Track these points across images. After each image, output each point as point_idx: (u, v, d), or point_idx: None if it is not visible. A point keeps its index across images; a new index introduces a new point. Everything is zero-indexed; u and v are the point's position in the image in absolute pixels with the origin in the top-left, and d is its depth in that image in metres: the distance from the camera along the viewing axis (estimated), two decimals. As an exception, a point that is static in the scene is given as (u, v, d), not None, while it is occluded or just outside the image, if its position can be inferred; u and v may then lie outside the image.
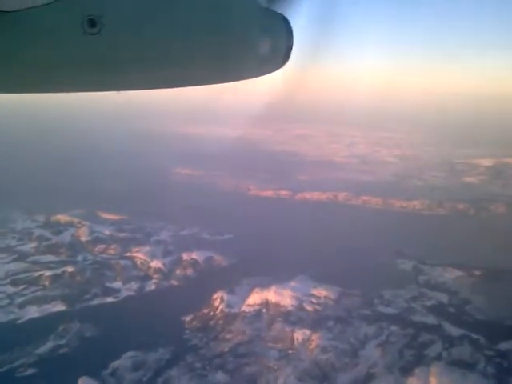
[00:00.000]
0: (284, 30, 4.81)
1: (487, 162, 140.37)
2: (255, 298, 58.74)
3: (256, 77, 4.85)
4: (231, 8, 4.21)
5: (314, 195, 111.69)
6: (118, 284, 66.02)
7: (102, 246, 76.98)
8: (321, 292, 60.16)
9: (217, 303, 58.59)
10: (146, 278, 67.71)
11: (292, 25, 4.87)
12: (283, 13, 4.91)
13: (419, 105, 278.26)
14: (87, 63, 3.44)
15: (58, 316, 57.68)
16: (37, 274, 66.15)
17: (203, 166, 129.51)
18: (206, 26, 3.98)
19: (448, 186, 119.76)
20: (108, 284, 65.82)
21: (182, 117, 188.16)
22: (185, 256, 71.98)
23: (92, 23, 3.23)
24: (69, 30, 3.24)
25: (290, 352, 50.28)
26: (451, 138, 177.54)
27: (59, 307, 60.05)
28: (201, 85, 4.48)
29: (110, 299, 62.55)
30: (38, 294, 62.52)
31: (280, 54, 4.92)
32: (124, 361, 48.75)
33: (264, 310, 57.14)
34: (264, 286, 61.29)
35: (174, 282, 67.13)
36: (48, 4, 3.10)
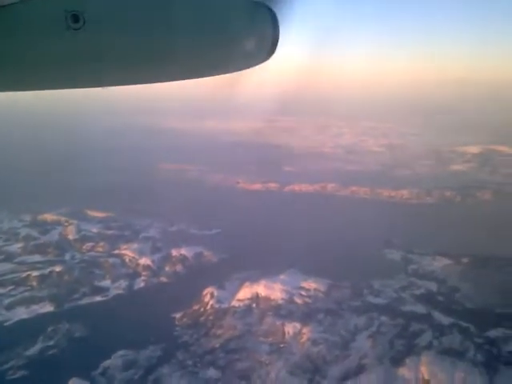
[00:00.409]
0: (270, 22, 4.74)
1: (474, 150, 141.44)
2: (245, 293, 58.60)
3: (243, 69, 4.79)
4: (216, 0, 4.21)
5: (303, 187, 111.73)
6: (106, 282, 65.44)
7: (89, 244, 76.28)
8: (310, 284, 60.19)
9: (207, 299, 58.33)
10: (135, 275, 67.18)
11: (278, 17, 4.81)
12: (270, 5, 4.83)
13: (405, 93, 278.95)
14: (71, 59, 3.41)
15: (47, 317, 57.06)
16: (24, 274, 65.26)
17: (191, 161, 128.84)
18: (190, 19, 3.94)
19: (435, 174, 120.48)
20: (97, 283, 65.22)
21: (168, 111, 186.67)
22: (174, 252, 71.55)
23: (75, 18, 3.22)
24: (52, 26, 3.22)
25: (281, 346, 50.23)
26: (438, 126, 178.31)
27: (47, 308, 59.40)
28: (186, 79, 4.41)
29: (98, 298, 61.99)
30: (26, 294, 61.69)
31: (266, 47, 4.84)
32: (114, 360, 48.37)
33: (254, 305, 57.05)
34: (254, 280, 61.18)
35: (163, 279, 66.73)
36: (30, 0, 3.11)
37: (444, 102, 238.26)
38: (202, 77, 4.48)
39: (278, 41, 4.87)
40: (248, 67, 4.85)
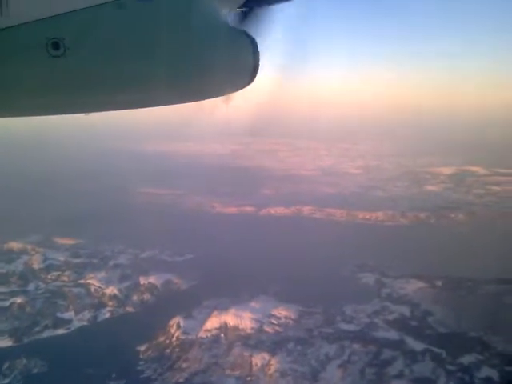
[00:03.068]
0: (250, 49, 4.74)
1: (448, 171, 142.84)
2: (213, 322, 56.64)
3: (222, 95, 4.85)
4: (196, 27, 4.18)
5: (279, 210, 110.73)
6: (70, 314, 62.80)
7: (55, 274, 73.66)
8: (281, 312, 58.61)
9: (173, 330, 56.13)
10: (100, 305, 64.64)
11: (258, 43, 4.82)
12: (250, 31, 4.89)
13: (382, 115, 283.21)
14: (53, 86, 3.41)
15: (4, 352, 54.03)
16: (-16, 307, 62.43)
17: (166, 185, 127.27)
18: (171, 45, 3.91)
19: (410, 195, 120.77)
20: (59, 314, 62.52)
21: (143, 136, 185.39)
22: (142, 280, 69.36)
23: (56, 46, 3.18)
24: (32, 53, 3.17)
25: (248, 379, 48.33)
26: (413, 147, 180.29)
27: (6, 342, 56.48)
28: (167, 104, 4.44)
29: (60, 331, 59.28)
30: (-16, 329, 58.86)
31: (247, 73, 4.86)
32: (72, 398, 45.90)
33: (222, 335, 55.10)
34: (223, 308, 59.37)
35: (129, 309, 64.31)
36: (10, 27, 3.04)
37: (419, 123, 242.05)
38: (182, 102, 4.53)
39: (258, 67, 4.87)
40: (228, 93, 4.90)
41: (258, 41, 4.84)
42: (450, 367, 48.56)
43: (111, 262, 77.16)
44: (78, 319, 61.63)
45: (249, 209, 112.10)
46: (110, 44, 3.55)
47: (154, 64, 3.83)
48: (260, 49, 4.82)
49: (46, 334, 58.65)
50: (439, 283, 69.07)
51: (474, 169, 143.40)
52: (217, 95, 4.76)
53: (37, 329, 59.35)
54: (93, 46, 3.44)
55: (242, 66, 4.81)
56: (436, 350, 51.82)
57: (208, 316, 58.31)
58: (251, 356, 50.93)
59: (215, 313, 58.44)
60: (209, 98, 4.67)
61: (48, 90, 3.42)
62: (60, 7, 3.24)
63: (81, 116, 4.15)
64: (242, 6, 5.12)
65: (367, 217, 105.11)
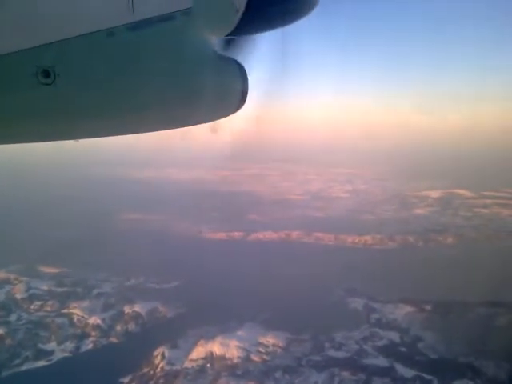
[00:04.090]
0: (239, 76, 4.84)
1: (436, 194, 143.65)
2: (199, 352, 55.25)
3: (211, 121, 4.93)
4: (185, 55, 4.22)
5: (267, 235, 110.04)
6: (52, 345, 60.94)
7: (38, 303, 71.77)
8: (269, 340, 57.44)
9: (157, 360, 54.60)
10: (83, 336, 62.87)
11: (247, 70, 4.90)
12: (239, 58, 4.96)
13: (370, 139, 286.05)
14: (43, 114, 3.43)
15: (-19, 387, 52.37)
16: (-37, 340, 60.44)
17: (154, 211, 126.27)
18: (159, 73, 3.95)
19: (399, 218, 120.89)
20: (41, 345, 60.65)
21: (132, 161, 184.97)
22: (127, 309, 67.80)
23: (46, 74, 3.22)
24: (22, 81, 3.21)
25: (234, 410, 46.93)
26: (401, 171, 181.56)
27: (-17, 376, 54.57)
28: (155, 130, 4.51)
29: (41, 363, 57.43)
30: (-38, 362, 56.81)
31: (235, 99, 4.94)
32: None
33: (208, 365, 53.65)
34: (210, 336, 58.04)
35: (113, 339, 62.54)
36: (0, 55, 3.07)
37: (407, 147, 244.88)
38: (170, 128, 4.61)
39: (246, 94, 4.94)
40: (217, 119, 4.96)
41: (247, 67, 4.94)
42: (440, 394, 47.57)
43: (95, 291, 75.53)
44: (60, 350, 59.79)
45: (237, 234, 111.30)
46: (99, 71, 3.58)
47: (143, 91, 3.90)
48: (248, 75, 4.93)
49: (26, 366, 56.77)
50: (428, 307, 68.41)
51: (461, 191, 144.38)
52: (205, 121, 4.89)
53: (17, 361, 57.47)
54: (82, 73, 3.49)
55: (230, 92, 4.91)
56: (426, 376, 51.11)
57: (194, 345, 56.96)
58: (238, 386, 49.57)
59: (201, 342, 57.12)
60: (197, 123, 4.79)
61: (38, 116, 3.46)
62: (50, 36, 3.27)
63: (65, 142, 4.23)
64: (230, 34, 5.18)
65: (356, 241, 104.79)
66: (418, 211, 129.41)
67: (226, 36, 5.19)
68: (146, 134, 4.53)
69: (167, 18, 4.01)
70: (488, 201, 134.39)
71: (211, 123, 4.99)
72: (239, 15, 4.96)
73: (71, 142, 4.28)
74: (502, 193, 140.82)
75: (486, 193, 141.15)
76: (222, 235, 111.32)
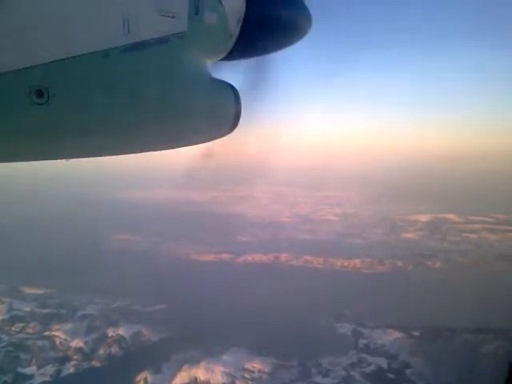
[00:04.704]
0: (232, 99, 4.91)
1: (424, 218, 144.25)
2: (183, 377, 54.15)
3: (204, 142, 5.01)
4: (179, 77, 4.25)
5: (256, 257, 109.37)
6: (32, 369, 59.32)
7: (19, 325, 70.19)
8: (255, 365, 56.51)
9: (140, 386, 53.35)
10: (65, 359, 61.33)
11: (240, 93, 4.98)
12: (233, 82, 5.03)
13: (359, 163, 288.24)
14: (36, 134, 3.42)
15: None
16: None
17: (142, 232, 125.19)
18: (153, 94, 3.97)
19: (388, 242, 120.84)
20: (20, 369, 59.00)
21: (119, 182, 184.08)
22: (111, 332, 66.40)
23: (39, 94, 3.20)
24: (15, 102, 3.19)
25: None
26: (390, 195, 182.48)
27: (-41, 402, 52.86)
28: (149, 151, 4.52)
29: (20, 388, 55.85)
30: None
31: (228, 122, 4.99)
32: None
33: (192, 391, 52.51)
34: (194, 361, 57.05)
35: (95, 363, 61.02)
36: None
37: (396, 171, 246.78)
38: (163, 149, 4.64)
39: (239, 116, 4.99)
40: (210, 140, 5.02)
41: (240, 91, 5.01)
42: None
43: (79, 313, 74.17)
44: (40, 374, 58.20)
45: (226, 256, 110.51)
46: (93, 92, 3.60)
47: (137, 112, 3.92)
48: (241, 98, 4.99)
49: (4, 391, 55.13)
50: (417, 333, 67.88)
51: (449, 216, 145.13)
52: (199, 142, 4.98)
53: (-6, 386, 55.82)
54: (76, 94, 3.50)
55: (223, 115, 4.97)
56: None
57: (178, 370, 55.88)
58: (221, 414, 48.39)
59: (185, 367, 56.02)
60: (190, 145, 4.86)
61: (30, 136, 3.44)
62: (45, 56, 3.24)
63: (53, 161, 4.17)
64: (224, 58, 5.25)
65: (345, 264, 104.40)
66: (407, 235, 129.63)
67: (221, 60, 5.28)
68: (137, 154, 4.58)
69: (162, 40, 4.05)
70: (476, 226, 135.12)
71: (204, 145, 5.07)
72: (233, 40, 5.07)
73: (61, 161, 4.21)
74: (490, 218, 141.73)
75: (473, 217, 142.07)
76: (210, 257, 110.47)
